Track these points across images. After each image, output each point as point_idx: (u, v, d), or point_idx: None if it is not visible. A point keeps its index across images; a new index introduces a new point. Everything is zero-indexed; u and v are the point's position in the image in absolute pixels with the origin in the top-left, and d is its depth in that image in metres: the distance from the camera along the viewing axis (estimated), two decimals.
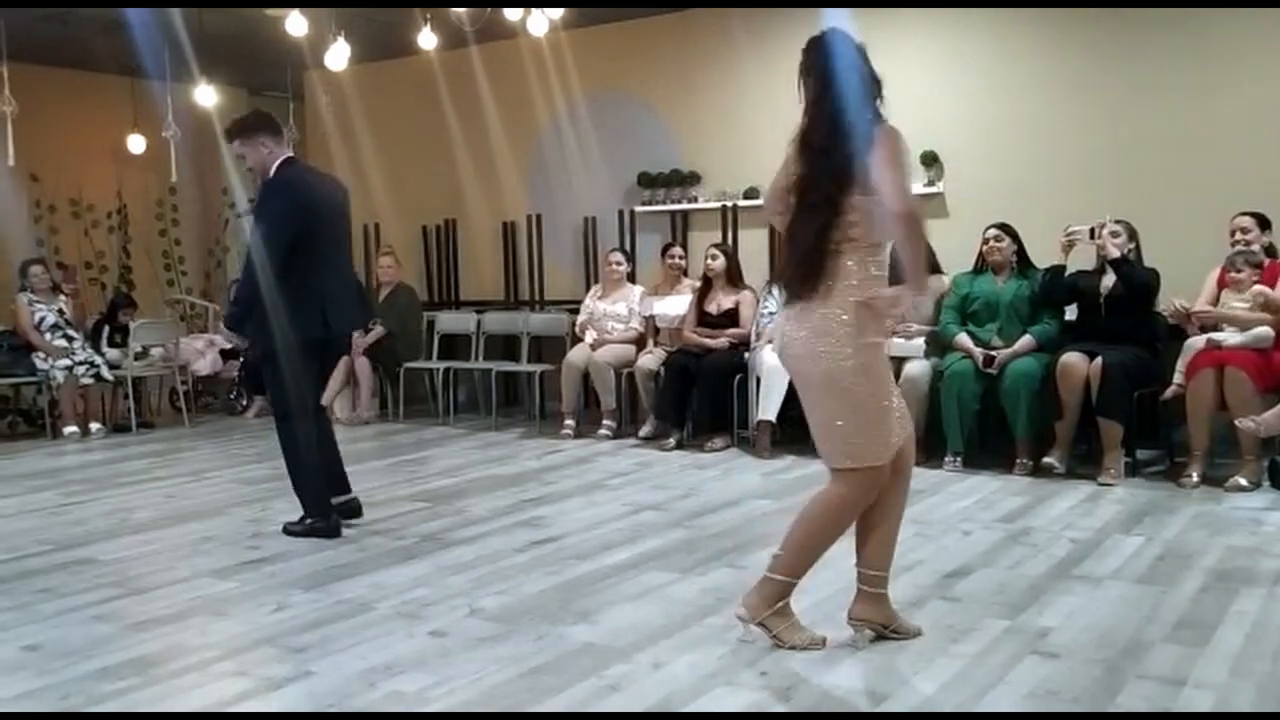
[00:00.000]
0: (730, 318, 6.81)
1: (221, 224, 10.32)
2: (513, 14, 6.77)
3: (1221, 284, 5.50)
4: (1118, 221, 5.66)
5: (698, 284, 7.06)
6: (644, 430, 6.89)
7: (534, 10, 6.76)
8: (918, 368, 5.91)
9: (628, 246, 7.95)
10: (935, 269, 6.26)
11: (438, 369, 8.11)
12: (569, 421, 7.10)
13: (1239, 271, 5.37)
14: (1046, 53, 6.51)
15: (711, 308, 6.87)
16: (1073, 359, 5.47)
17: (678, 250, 7.34)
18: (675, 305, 7.07)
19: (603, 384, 7.05)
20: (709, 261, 6.91)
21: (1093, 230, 5.60)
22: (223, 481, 5.84)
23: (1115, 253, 5.57)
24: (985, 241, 5.91)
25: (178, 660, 3.14)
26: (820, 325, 3.00)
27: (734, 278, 6.93)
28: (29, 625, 3.47)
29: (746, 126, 7.45)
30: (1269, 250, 5.51)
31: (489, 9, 6.88)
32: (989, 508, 4.88)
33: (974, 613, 3.41)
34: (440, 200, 8.93)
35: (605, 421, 7.03)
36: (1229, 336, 5.25)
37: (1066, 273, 5.73)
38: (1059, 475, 5.44)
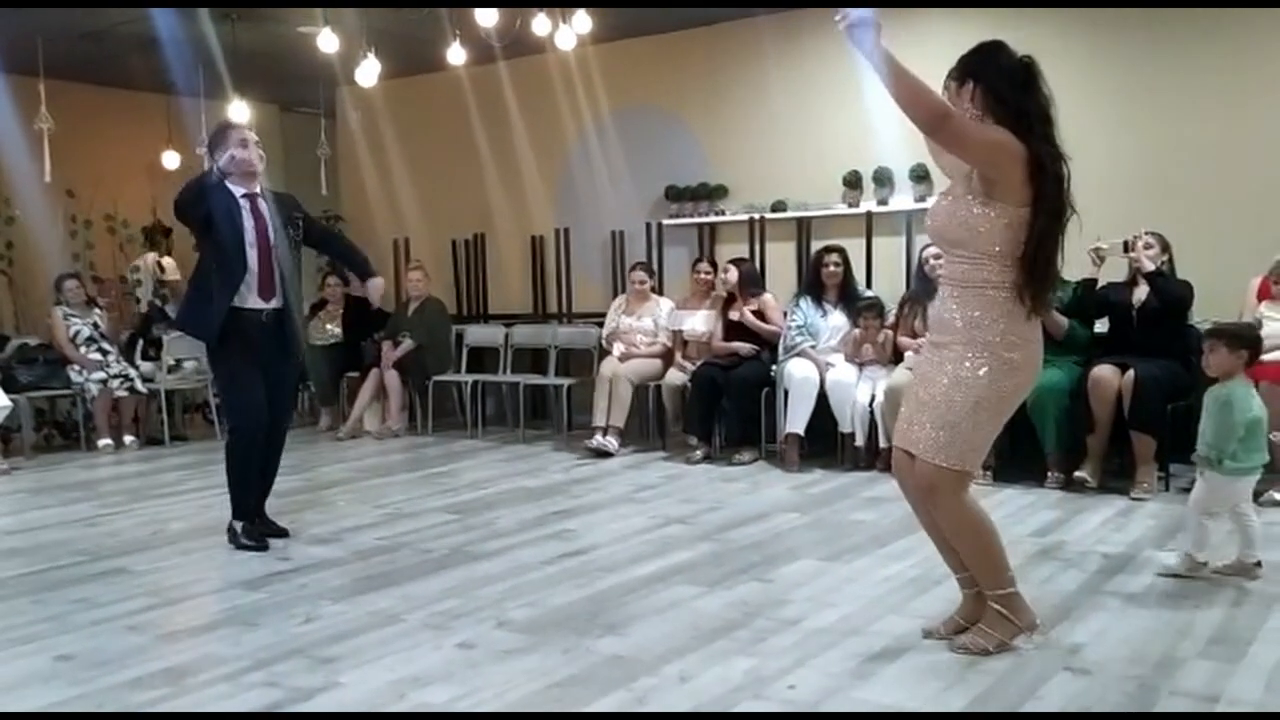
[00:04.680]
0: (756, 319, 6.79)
1: None
2: (541, 29, 6.81)
3: (1263, 294, 5.44)
4: (1150, 233, 5.61)
5: (723, 295, 7.06)
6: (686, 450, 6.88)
7: (562, 24, 6.80)
8: None
9: (655, 259, 7.97)
10: None
11: (466, 382, 8.14)
12: (599, 437, 7.07)
13: (1278, 283, 5.30)
14: (1077, 62, 6.47)
15: (735, 316, 6.86)
16: (1104, 372, 5.42)
17: (704, 265, 7.33)
18: (703, 320, 7.07)
19: (619, 399, 6.99)
20: (723, 275, 6.92)
21: (1126, 244, 5.56)
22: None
23: (1150, 266, 5.52)
24: None
25: (209, 670, 3.17)
26: None
27: (748, 286, 6.90)
28: (63, 635, 3.51)
29: (774, 139, 7.45)
30: None
31: (518, 24, 6.93)
32: (1020, 522, 4.84)
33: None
34: (469, 214, 8.98)
35: (609, 436, 6.89)
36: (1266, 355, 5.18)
37: (1097, 285, 5.69)
38: (1091, 489, 5.39)
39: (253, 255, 4.55)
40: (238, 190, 4.58)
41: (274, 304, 4.63)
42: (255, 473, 4.70)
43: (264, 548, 4.56)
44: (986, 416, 3.08)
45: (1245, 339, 3.91)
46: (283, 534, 4.77)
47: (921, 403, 3.14)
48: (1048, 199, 3.05)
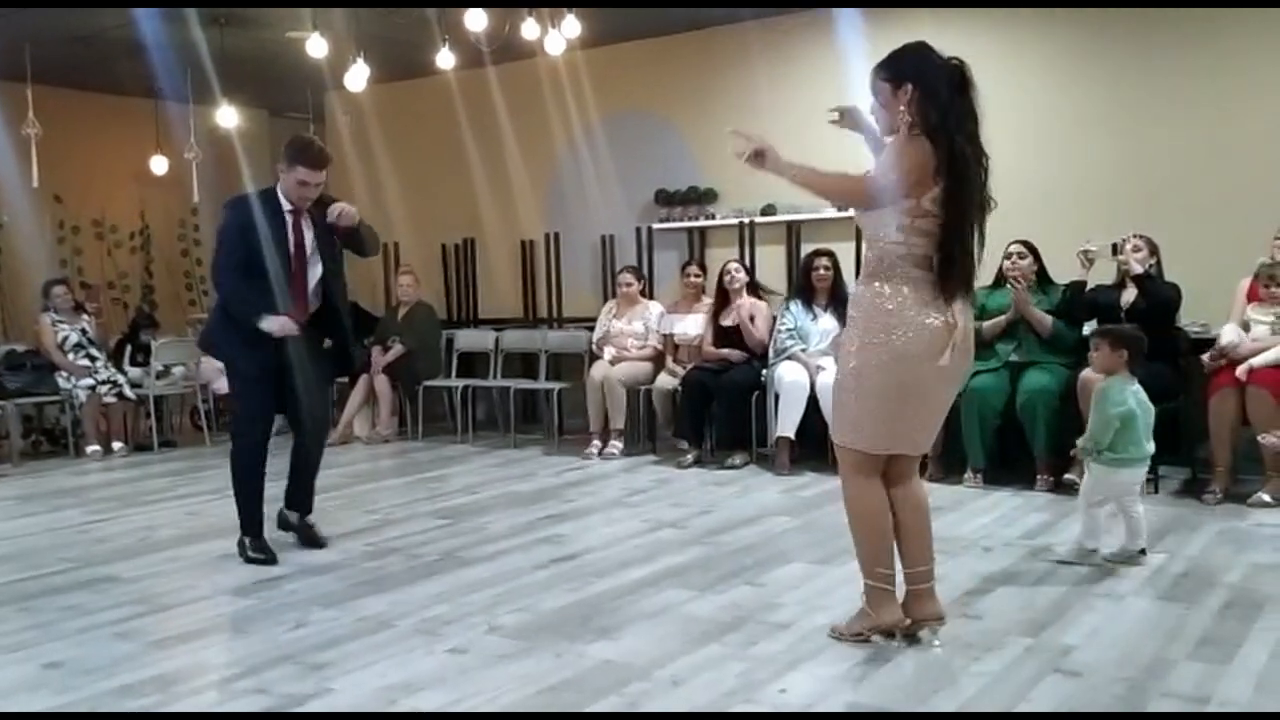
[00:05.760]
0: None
1: None
2: (530, 33, 6.81)
3: (1251, 297, 5.46)
4: (1139, 236, 5.63)
5: (713, 301, 7.06)
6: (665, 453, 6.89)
7: (551, 29, 6.80)
8: None
9: (645, 264, 7.97)
10: None
11: (457, 387, 8.13)
12: (596, 442, 7.08)
13: (1266, 285, 5.31)
14: (1067, 68, 6.50)
15: (728, 322, 6.87)
16: (1093, 375, 5.43)
17: (693, 269, 7.34)
18: (694, 324, 7.07)
19: (614, 402, 7.02)
20: (734, 274, 6.90)
21: (1115, 246, 5.58)
22: None
23: (1139, 269, 5.54)
24: (1007, 257, 5.88)
25: (199, 677, 3.16)
26: None
27: (752, 293, 6.93)
28: (51, 643, 3.49)
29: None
30: None
31: (507, 29, 6.93)
32: (1010, 524, 4.85)
33: (995, 631, 3.39)
34: (459, 219, 8.97)
35: (612, 441, 6.98)
36: (1257, 358, 5.19)
37: (1086, 288, 5.71)
38: None
39: (287, 269, 4.47)
40: (285, 204, 4.48)
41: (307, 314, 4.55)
42: (259, 484, 4.59)
43: (273, 561, 4.45)
44: (875, 402, 3.17)
45: (1127, 339, 4.27)
46: (320, 544, 4.69)
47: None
48: (967, 193, 3.14)
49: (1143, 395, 4.20)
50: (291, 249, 4.49)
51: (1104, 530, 4.26)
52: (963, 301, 3.18)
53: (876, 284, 3.19)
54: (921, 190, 3.11)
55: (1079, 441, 4.24)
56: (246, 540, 4.54)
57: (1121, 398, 4.12)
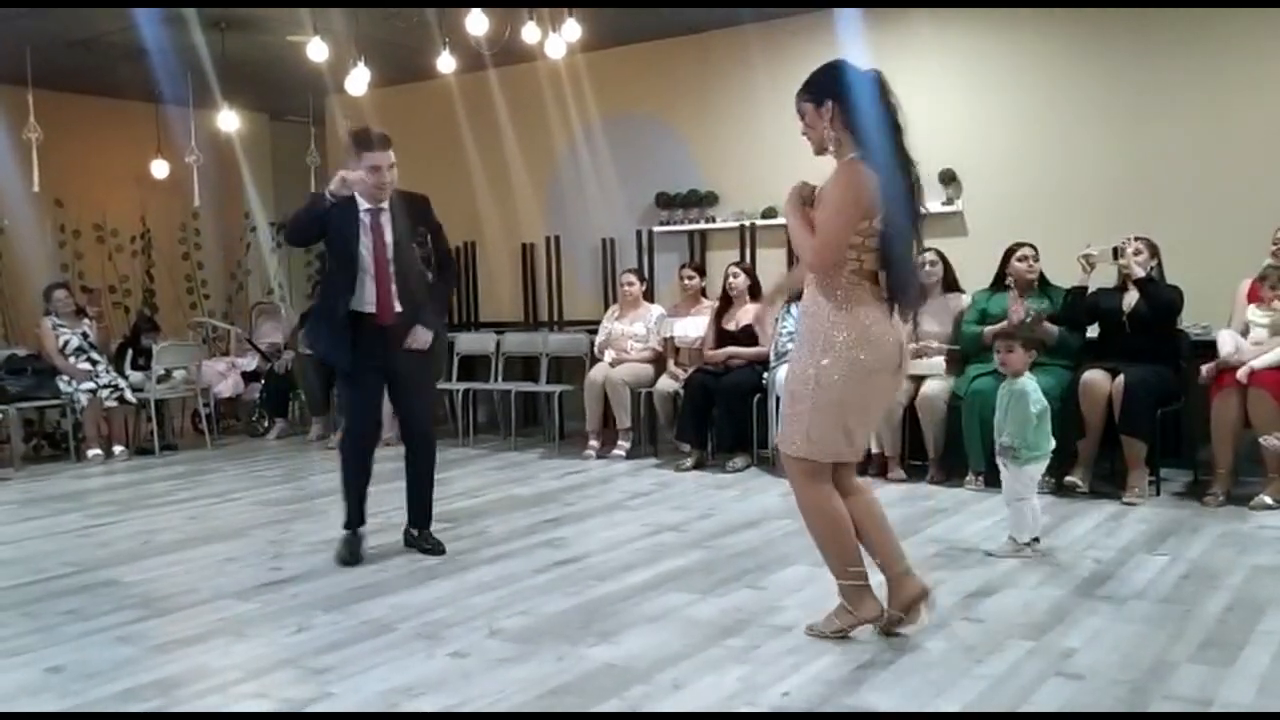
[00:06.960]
0: (749, 334, 6.80)
1: (243, 247, 10.40)
2: (530, 37, 6.81)
3: (1251, 297, 5.45)
4: (1139, 239, 5.63)
5: (715, 304, 7.07)
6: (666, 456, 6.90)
7: (551, 33, 6.81)
8: (935, 386, 5.89)
9: (646, 267, 7.97)
10: (953, 286, 6.26)
11: (457, 390, 8.13)
12: (594, 442, 7.10)
13: (1273, 288, 5.31)
14: (1066, 69, 6.51)
15: (730, 325, 6.87)
16: (1095, 376, 5.44)
17: (687, 270, 7.33)
18: (694, 325, 7.07)
19: (618, 402, 7.04)
20: (731, 279, 6.90)
21: (1116, 250, 5.57)
22: (245, 503, 5.87)
23: (1140, 272, 5.53)
24: (1022, 260, 5.85)
25: (200, 682, 3.15)
26: None
27: (755, 295, 6.93)
28: (53, 647, 3.49)
29: (764, 146, 7.46)
30: None
31: (508, 32, 6.93)
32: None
33: (997, 634, 3.39)
34: (459, 222, 8.91)
35: (620, 441, 7.04)
36: (1258, 359, 5.18)
37: (1088, 292, 5.71)
38: (1082, 494, 5.40)
39: (370, 269, 4.42)
40: (361, 204, 4.42)
41: (396, 312, 4.47)
42: (362, 477, 4.53)
43: (353, 562, 4.40)
44: (833, 413, 3.21)
45: (1035, 341, 4.59)
46: (438, 551, 4.57)
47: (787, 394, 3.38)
48: (894, 207, 3.18)
49: (1041, 393, 4.39)
50: (373, 250, 4.43)
51: (1039, 517, 4.38)
52: (900, 311, 3.27)
53: (831, 299, 3.21)
54: (875, 212, 3.16)
55: (1004, 443, 4.34)
56: (342, 536, 4.51)
57: (1037, 395, 4.32)
